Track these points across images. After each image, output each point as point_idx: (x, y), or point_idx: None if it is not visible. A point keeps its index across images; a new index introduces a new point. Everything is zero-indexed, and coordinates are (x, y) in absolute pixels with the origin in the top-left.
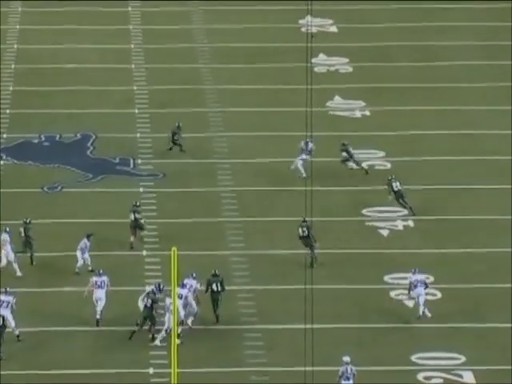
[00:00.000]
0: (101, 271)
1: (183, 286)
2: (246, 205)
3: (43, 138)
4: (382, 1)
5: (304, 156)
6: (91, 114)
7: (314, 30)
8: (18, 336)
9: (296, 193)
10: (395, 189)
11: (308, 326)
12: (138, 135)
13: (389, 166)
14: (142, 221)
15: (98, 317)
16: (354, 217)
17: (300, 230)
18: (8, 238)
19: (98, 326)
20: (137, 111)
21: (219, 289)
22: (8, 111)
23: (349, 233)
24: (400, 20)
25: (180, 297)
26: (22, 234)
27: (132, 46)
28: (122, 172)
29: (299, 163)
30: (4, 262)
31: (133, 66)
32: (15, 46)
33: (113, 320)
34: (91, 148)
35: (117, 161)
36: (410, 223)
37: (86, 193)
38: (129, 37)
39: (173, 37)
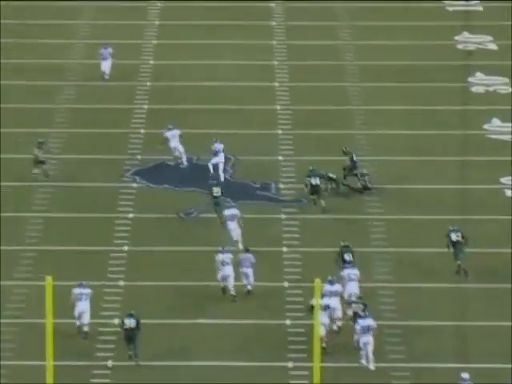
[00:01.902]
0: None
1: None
2: (395, 234)
3: (179, 160)
4: None
5: None
6: (231, 134)
7: (472, 47)
8: (85, 332)
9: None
10: None
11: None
12: (281, 158)
13: None
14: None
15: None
16: None
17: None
18: None
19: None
20: (280, 132)
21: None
22: (142, 131)
23: None
24: None
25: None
26: None
27: (275, 62)
28: (263, 197)
29: None
30: None
31: (276, 83)
32: (151, 62)
33: None
34: (230, 171)
35: (257, 185)
36: None
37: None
38: (272, 53)
39: (319, 53)
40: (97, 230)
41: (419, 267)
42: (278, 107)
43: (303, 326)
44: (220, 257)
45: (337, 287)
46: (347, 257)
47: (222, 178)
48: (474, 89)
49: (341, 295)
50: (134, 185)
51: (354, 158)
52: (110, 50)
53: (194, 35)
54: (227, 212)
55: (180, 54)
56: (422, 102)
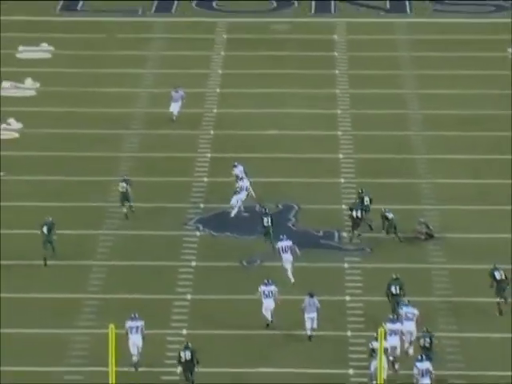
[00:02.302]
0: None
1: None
2: (458, 283)
3: (242, 209)
4: None
5: None
6: (294, 183)
7: None
8: (135, 365)
9: None
10: None
11: None
12: (344, 207)
13: None
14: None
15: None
16: None
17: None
18: None
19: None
20: (342, 181)
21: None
22: (205, 179)
23: None
24: None
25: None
26: None
27: (339, 111)
28: (326, 246)
29: None
30: None
31: (339, 132)
32: (214, 111)
33: None
34: (293, 220)
35: (321, 234)
36: None
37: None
38: (335, 101)
39: (382, 102)
40: (160, 279)
41: (483, 316)
42: (341, 156)
43: (366, 375)
44: (262, 288)
45: (398, 325)
46: (394, 289)
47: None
48: None
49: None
50: (197, 233)
51: (366, 202)
52: (181, 92)
53: (257, 84)
54: (280, 244)
55: (243, 103)
56: (485, 150)
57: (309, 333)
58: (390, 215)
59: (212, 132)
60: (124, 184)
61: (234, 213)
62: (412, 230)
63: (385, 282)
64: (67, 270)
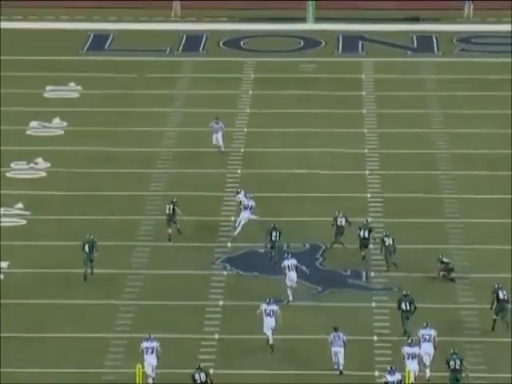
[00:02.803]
0: (271, 300)
1: None
2: (487, 322)
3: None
4: None
5: None
6: (321, 222)
7: None
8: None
9: None
10: None
11: None
12: (371, 246)
13: None
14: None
15: None
16: None
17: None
18: None
19: None
20: (369, 220)
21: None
22: (233, 218)
23: None
24: None
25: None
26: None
27: (366, 150)
28: (354, 285)
29: None
30: None
31: (367, 171)
32: (242, 150)
33: None
34: (321, 259)
35: (348, 273)
36: None
37: (314, 307)
38: (363, 141)
39: (410, 141)
40: (188, 318)
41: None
42: (369, 195)
43: None
44: (264, 307)
45: (415, 349)
46: (404, 306)
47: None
48: None
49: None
50: (225, 272)
51: (361, 234)
52: (221, 124)
53: (285, 123)
54: (286, 262)
55: (271, 142)
56: (490, 192)
57: (335, 366)
58: (388, 240)
59: (239, 171)
60: (171, 206)
61: (236, 232)
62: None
63: (412, 322)
64: (95, 308)
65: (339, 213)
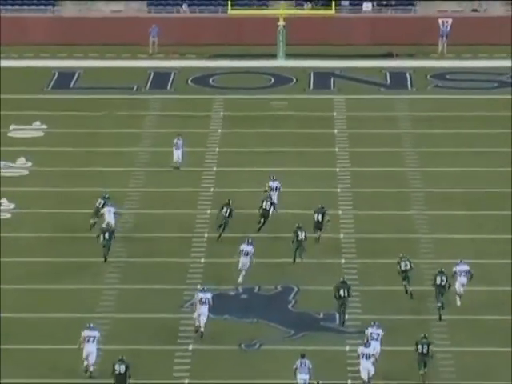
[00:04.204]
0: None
1: None
2: (465, 367)
3: (241, 290)
4: None
5: None
6: (293, 264)
7: None
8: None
9: None
10: None
11: None
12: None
13: None
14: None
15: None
16: None
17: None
18: None
19: None
20: (343, 261)
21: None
22: (203, 260)
23: None
24: None
25: None
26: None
27: (339, 189)
28: (327, 328)
29: None
30: None
31: (340, 211)
32: (211, 190)
33: None
34: (293, 302)
35: (321, 316)
36: None
37: (287, 351)
38: (335, 179)
39: (383, 180)
40: (156, 362)
41: None
42: (342, 235)
43: None
44: (199, 295)
45: (370, 349)
46: (342, 292)
47: None
48: None
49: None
50: (194, 315)
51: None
52: (182, 141)
53: (255, 162)
54: (244, 247)
55: (241, 181)
56: (491, 230)
57: None
58: (406, 266)
59: (209, 211)
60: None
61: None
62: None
63: (386, 365)
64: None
65: None
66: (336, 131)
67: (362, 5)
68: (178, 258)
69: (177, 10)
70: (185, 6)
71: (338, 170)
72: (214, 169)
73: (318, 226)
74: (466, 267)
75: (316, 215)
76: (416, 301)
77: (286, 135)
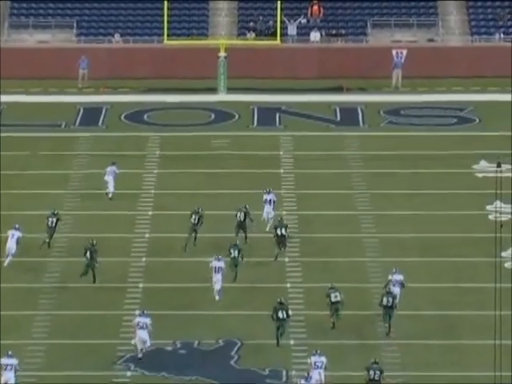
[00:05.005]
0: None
1: None
2: None
3: (178, 345)
4: None
5: None
6: (235, 315)
7: (504, 218)
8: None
9: None
10: None
11: None
12: (292, 342)
13: None
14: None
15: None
16: None
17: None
18: None
19: None
20: (290, 313)
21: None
22: (137, 312)
23: None
24: None
25: None
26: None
27: (286, 259)
28: None
29: None
30: None
31: (286, 258)
32: (146, 235)
33: None
34: (236, 357)
35: (266, 373)
36: None
37: None
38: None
39: (333, 224)
40: None
41: None
42: (289, 285)
43: None
44: (137, 320)
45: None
46: (280, 314)
47: None
48: (507, 265)
49: None
50: (128, 373)
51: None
52: (115, 168)
53: (194, 205)
54: (216, 263)
55: (178, 226)
56: (451, 279)
57: None
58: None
59: (144, 259)
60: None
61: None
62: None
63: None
64: None
65: None
66: (282, 171)
67: (309, 34)
68: (112, 310)
69: (108, 40)
70: (117, 36)
71: (284, 212)
72: (150, 213)
73: (282, 240)
74: (400, 277)
75: (279, 230)
76: (362, 324)
77: (228, 176)
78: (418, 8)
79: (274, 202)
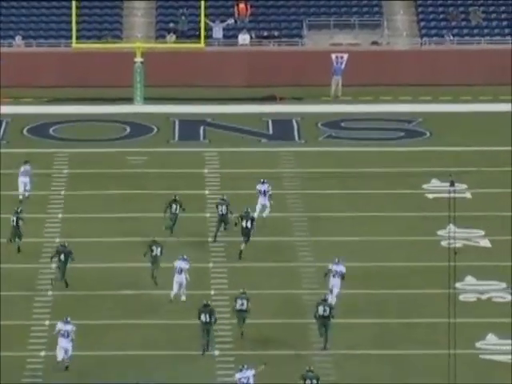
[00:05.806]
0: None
1: None
2: None
3: None
4: None
5: None
6: (157, 355)
7: (459, 244)
8: None
9: None
10: None
11: None
12: (217, 353)
13: None
14: None
15: None
16: None
17: None
18: None
19: None
20: (217, 353)
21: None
22: (43, 354)
23: None
24: None
25: None
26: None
27: (211, 264)
28: None
29: None
30: None
31: (212, 291)
32: (53, 266)
33: None
34: None
35: None
36: None
37: None
38: (207, 252)
39: (266, 252)
40: None
41: None
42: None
43: None
44: (59, 327)
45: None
46: (203, 317)
47: None
48: (462, 297)
49: None
50: None
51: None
52: (29, 167)
53: (108, 231)
54: (178, 263)
55: (89, 256)
56: (398, 315)
57: None
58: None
59: (50, 292)
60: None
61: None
62: None
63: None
64: None
65: None
66: (207, 192)
67: (237, 37)
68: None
69: (8, 43)
70: (18, 39)
71: (209, 239)
72: (57, 240)
73: (223, 219)
74: (341, 268)
75: (220, 208)
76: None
77: (145, 198)
78: (361, 7)
79: (268, 192)
